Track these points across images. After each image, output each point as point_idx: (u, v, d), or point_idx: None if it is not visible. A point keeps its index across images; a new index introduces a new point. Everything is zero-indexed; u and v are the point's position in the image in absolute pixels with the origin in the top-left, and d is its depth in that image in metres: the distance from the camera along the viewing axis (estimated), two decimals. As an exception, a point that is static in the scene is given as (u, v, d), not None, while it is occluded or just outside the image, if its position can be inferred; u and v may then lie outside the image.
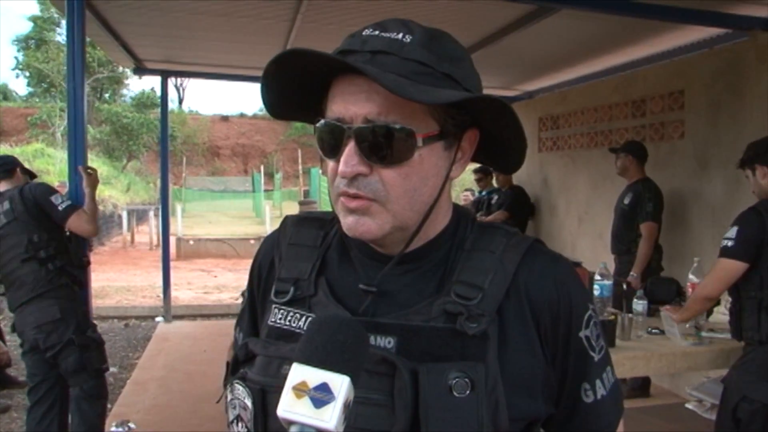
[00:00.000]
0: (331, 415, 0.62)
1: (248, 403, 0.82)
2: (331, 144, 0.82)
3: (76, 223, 3.43)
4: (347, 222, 0.83)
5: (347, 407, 0.64)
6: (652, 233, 4.55)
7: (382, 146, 0.80)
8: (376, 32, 0.83)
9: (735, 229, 2.73)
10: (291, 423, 0.63)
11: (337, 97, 0.82)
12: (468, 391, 0.76)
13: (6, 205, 3.39)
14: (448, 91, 0.81)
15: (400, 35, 0.82)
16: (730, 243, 2.72)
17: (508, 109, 0.84)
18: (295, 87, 0.86)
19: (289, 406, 0.63)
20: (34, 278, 3.32)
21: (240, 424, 0.84)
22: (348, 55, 0.81)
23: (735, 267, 2.71)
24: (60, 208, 3.40)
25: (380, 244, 0.87)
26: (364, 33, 0.84)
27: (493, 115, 0.85)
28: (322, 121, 0.83)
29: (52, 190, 3.52)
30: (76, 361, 3.35)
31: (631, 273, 4.48)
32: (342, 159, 0.80)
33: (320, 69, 0.82)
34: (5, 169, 3.62)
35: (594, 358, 0.90)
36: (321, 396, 0.63)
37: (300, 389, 0.64)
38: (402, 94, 0.75)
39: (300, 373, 0.65)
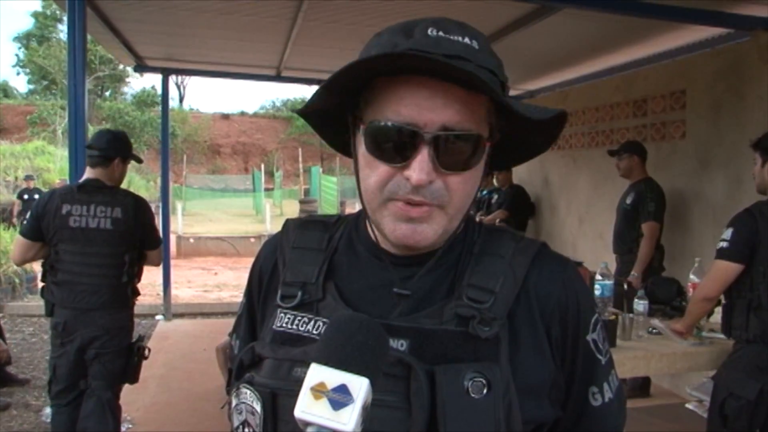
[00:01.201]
0: (350, 417, 0.61)
1: (257, 407, 0.80)
2: (398, 148, 0.79)
3: (156, 253, 3.54)
4: (400, 229, 0.81)
5: (366, 410, 0.63)
6: (653, 233, 4.55)
7: (460, 154, 0.80)
8: (441, 33, 0.80)
9: (730, 230, 2.77)
10: (308, 424, 0.62)
11: (407, 100, 0.78)
12: (485, 392, 0.76)
13: (118, 212, 3.25)
14: (524, 104, 0.83)
15: (466, 39, 0.81)
16: (725, 245, 2.76)
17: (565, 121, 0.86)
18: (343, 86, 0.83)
19: (306, 407, 0.62)
20: (114, 293, 3.29)
21: (247, 430, 0.82)
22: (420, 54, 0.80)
23: (730, 268, 2.75)
24: (158, 234, 3.53)
25: (413, 248, 0.86)
26: (430, 32, 0.80)
27: (544, 125, 0.85)
28: (387, 125, 0.79)
29: (154, 215, 3.54)
30: (121, 366, 3.36)
31: (632, 272, 4.48)
32: (416, 166, 0.78)
33: (381, 70, 0.79)
34: (102, 155, 3.28)
35: (601, 361, 0.91)
36: (339, 398, 0.62)
37: (318, 390, 0.63)
38: (523, 113, 0.78)
39: (318, 374, 0.64)
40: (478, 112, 0.81)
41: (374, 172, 0.82)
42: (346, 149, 0.93)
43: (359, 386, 0.63)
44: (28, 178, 13.22)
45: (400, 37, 0.82)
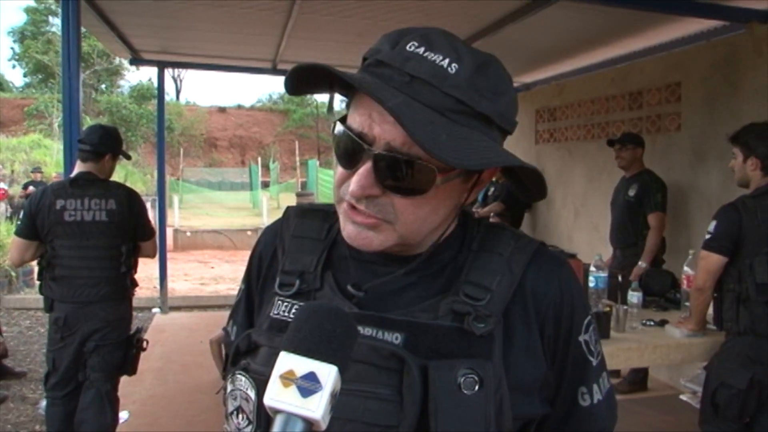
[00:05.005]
0: (318, 404, 0.62)
1: (251, 394, 0.81)
2: (347, 155, 0.80)
3: (150, 245, 3.55)
4: (347, 229, 0.82)
5: (334, 397, 0.64)
6: (662, 224, 4.51)
7: (401, 177, 0.77)
8: (421, 50, 0.77)
9: (714, 223, 2.85)
10: (277, 411, 0.62)
11: (362, 110, 0.79)
12: (476, 388, 0.76)
13: (112, 204, 3.28)
14: (482, 146, 0.77)
15: (446, 61, 0.76)
16: (708, 237, 2.84)
17: (538, 175, 0.84)
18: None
19: (275, 395, 0.62)
20: (113, 285, 3.32)
21: (240, 416, 0.83)
22: (384, 68, 0.78)
23: (713, 259, 2.82)
24: (151, 224, 3.55)
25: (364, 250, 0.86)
26: (408, 48, 0.78)
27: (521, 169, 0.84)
28: (342, 130, 0.81)
29: (145, 206, 3.57)
30: (120, 358, 3.37)
31: (640, 263, 4.43)
32: (355, 178, 0.78)
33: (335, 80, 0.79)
34: (93, 151, 3.30)
35: (592, 362, 0.91)
36: (308, 385, 0.62)
37: (287, 378, 0.63)
38: (436, 154, 0.70)
39: (287, 362, 0.64)
40: None
41: (336, 171, 0.84)
42: None
43: (327, 374, 0.63)
44: (35, 170, 13.61)
45: (387, 44, 0.81)
